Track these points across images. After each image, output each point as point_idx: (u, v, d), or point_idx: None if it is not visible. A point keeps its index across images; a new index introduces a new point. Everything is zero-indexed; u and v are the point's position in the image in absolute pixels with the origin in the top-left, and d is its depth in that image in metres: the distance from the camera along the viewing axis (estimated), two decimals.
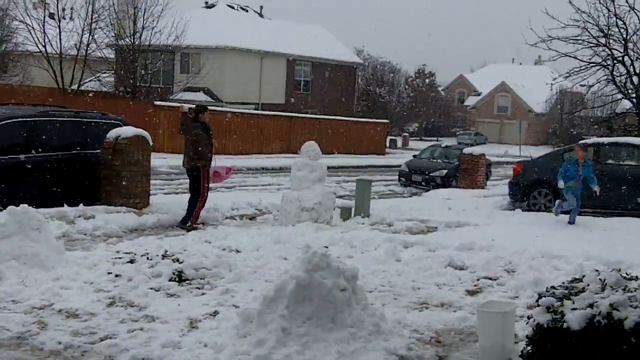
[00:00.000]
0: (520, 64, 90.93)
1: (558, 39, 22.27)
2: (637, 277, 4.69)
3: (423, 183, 25.07)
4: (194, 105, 13.93)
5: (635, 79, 22.44)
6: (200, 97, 45.17)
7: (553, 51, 22.68)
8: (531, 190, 17.01)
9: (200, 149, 12.56)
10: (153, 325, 6.44)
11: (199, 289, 7.89)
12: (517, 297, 8.08)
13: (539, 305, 4.24)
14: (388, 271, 9.15)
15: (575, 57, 22.73)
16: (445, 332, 6.67)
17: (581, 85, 32.65)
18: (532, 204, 16.87)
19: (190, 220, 12.51)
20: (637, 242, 11.33)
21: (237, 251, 9.95)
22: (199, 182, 12.65)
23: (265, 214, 14.62)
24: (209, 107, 13.92)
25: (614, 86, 22.78)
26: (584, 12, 22.22)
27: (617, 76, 22.67)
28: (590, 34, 22.37)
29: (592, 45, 22.60)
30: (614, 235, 12.16)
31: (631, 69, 22.50)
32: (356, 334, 5.94)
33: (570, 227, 13.08)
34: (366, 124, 47.38)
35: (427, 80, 77.75)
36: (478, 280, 8.82)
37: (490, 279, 8.88)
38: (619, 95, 23.67)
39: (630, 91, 22.69)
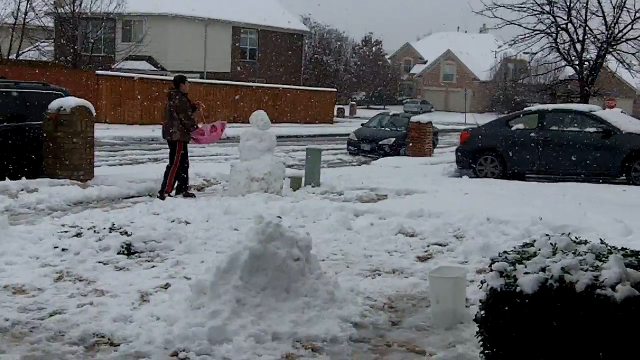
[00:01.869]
0: (466, 32, 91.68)
1: (503, 6, 22.47)
2: (586, 240, 4.76)
3: (372, 151, 25.11)
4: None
5: (578, 46, 22.77)
6: (144, 65, 44.44)
7: (498, 19, 22.86)
8: (478, 157, 17.19)
9: (183, 119, 12.57)
10: (103, 299, 6.33)
11: (149, 261, 7.79)
12: (466, 262, 8.18)
13: (492, 270, 4.27)
14: (340, 240, 9.17)
15: (519, 25, 22.95)
16: (398, 298, 6.71)
17: (524, 53, 33.11)
18: (479, 170, 17.07)
19: (164, 190, 12.47)
20: (582, 206, 11.53)
21: (187, 222, 9.83)
22: (175, 152, 12.67)
23: (213, 185, 14.51)
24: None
25: (558, 53, 23.07)
26: None
27: (561, 43, 22.99)
28: (535, 1, 22.61)
29: (536, 12, 22.84)
30: (559, 200, 12.35)
31: (574, 37, 22.82)
32: (311, 303, 5.92)
33: (517, 193, 13.21)
34: (314, 92, 47.25)
35: (373, 49, 77.86)
36: (428, 246, 8.89)
37: (440, 245, 8.95)
38: (563, 63, 23.97)
39: (573, 58, 23.02)
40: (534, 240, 4.74)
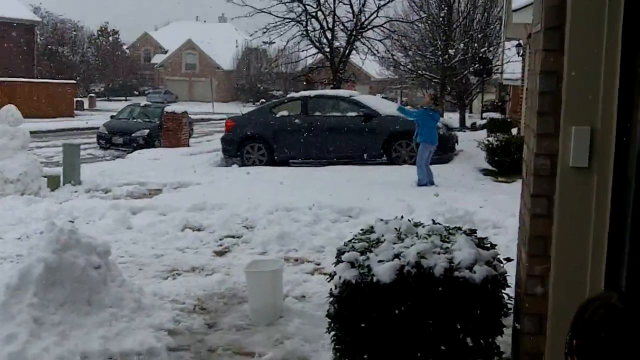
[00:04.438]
0: (205, 21, 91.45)
1: None
2: (421, 223, 4.66)
3: (125, 144, 23.99)
4: None
5: (328, 33, 23.43)
6: None
7: (249, 7, 22.82)
8: (244, 145, 17.04)
9: None
10: None
11: None
12: (265, 252, 7.93)
13: (340, 262, 3.99)
14: (122, 240, 8.48)
15: (270, 13, 23.09)
16: (207, 297, 6.26)
17: (263, 42, 33.65)
18: (247, 158, 16.94)
19: None
20: (356, 188, 11.79)
21: None
22: None
23: None
24: None
25: (309, 41, 23.58)
26: None
27: (312, 31, 23.50)
28: None
29: (286, 1, 23.13)
30: (332, 182, 12.52)
31: (324, 24, 23.44)
32: (117, 314, 5.29)
33: (291, 179, 13.18)
34: (51, 85, 44.33)
35: (110, 39, 74.83)
36: (221, 239, 8.50)
37: (233, 237, 8.61)
38: (313, 51, 24.58)
39: (324, 46, 23.65)
40: (372, 227, 4.56)
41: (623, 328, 1.53)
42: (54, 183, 12.81)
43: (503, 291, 3.89)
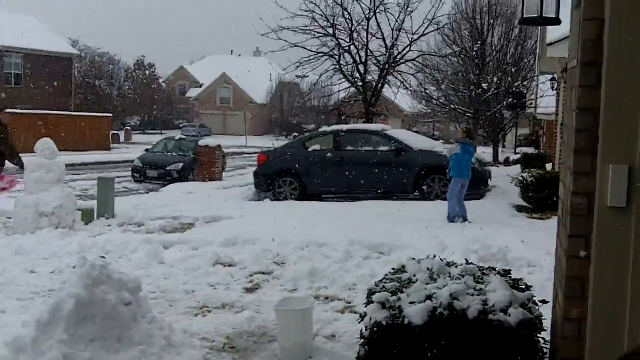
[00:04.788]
0: (240, 55, 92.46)
1: (288, 29, 22.65)
2: (454, 262, 4.58)
3: (159, 178, 24.16)
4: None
5: (361, 67, 23.50)
6: None
7: (283, 42, 23.02)
8: (276, 179, 17.06)
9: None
10: None
11: None
12: (296, 289, 7.85)
13: (371, 302, 3.92)
14: (154, 275, 8.46)
15: (304, 48, 23.26)
16: (237, 335, 6.18)
17: (297, 77, 33.85)
18: (278, 192, 16.94)
19: None
20: (388, 223, 11.70)
21: None
22: None
23: None
24: None
25: (342, 75, 23.66)
26: (312, 1, 22.85)
27: (344, 65, 23.59)
28: (319, 24, 23.05)
29: (320, 35, 23.29)
30: (364, 218, 12.44)
31: (357, 58, 23.52)
32: (147, 351, 5.25)
33: (323, 214, 13.12)
34: (88, 118, 45.00)
35: (147, 72, 75.97)
36: (252, 275, 8.45)
37: (264, 273, 8.56)
38: (346, 84, 24.65)
39: (357, 80, 23.72)
40: (404, 266, 4.48)
41: None
42: (88, 216, 12.88)
43: (539, 335, 3.77)
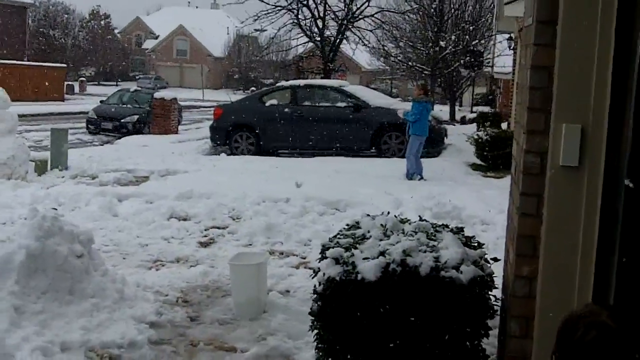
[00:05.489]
0: (197, 7, 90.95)
1: None
2: (408, 219, 4.60)
3: (114, 130, 23.84)
4: None
5: (319, 22, 23.29)
6: None
7: None
8: (233, 133, 16.94)
9: None
10: None
11: None
12: (251, 244, 7.85)
13: (324, 258, 3.93)
14: (107, 228, 8.40)
15: (262, 1, 22.92)
16: (191, 289, 6.18)
17: (255, 30, 33.43)
18: (235, 147, 16.84)
19: None
20: (344, 180, 11.73)
21: None
22: None
23: None
24: None
25: (300, 29, 23.43)
26: None
27: (303, 20, 23.34)
28: None
29: None
30: (320, 174, 12.44)
31: (315, 13, 23.30)
32: (99, 304, 5.22)
33: (279, 169, 13.09)
34: (42, 68, 43.92)
35: (102, 22, 74.32)
36: (207, 230, 8.43)
37: (219, 227, 8.54)
38: (304, 39, 24.45)
39: (315, 35, 23.53)
40: (358, 222, 4.49)
41: (617, 351, 1.47)
42: (41, 168, 12.69)
43: (490, 292, 3.83)
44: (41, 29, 63.59)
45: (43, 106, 36.05)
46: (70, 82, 54.83)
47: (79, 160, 13.77)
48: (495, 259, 4.08)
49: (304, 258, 7.29)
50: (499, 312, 3.89)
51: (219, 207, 9.34)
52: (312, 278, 4.03)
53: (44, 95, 41.57)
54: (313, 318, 3.98)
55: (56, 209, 6.34)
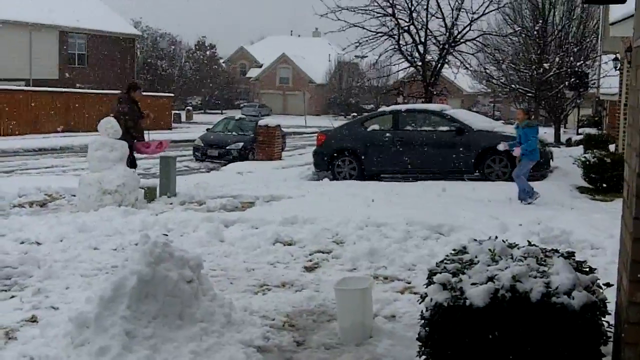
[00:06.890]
0: (299, 36, 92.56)
1: (347, 9, 22.53)
2: (516, 244, 4.52)
3: (219, 157, 24.50)
4: None
5: (420, 47, 23.26)
6: None
7: (342, 22, 22.88)
8: (335, 158, 17.10)
9: (130, 126, 13.03)
10: None
11: (6, 291, 6.85)
12: (355, 269, 7.86)
13: (432, 283, 3.90)
14: (214, 253, 8.58)
15: (363, 27, 23.11)
16: (297, 314, 6.24)
17: (356, 57, 33.63)
18: (337, 172, 16.98)
19: None
20: (448, 204, 11.61)
21: (38, 243, 8.87)
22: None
23: (57, 200, 13.27)
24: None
25: (401, 55, 23.46)
26: None
27: (404, 45, 23.36)
28: (378, 3, 22.89)
29: (379, 15, 23.12)
30: (423, 198, 12.36)
31: (416, 38, 23.28)
32: (208, 329, 5.33)
33: (382, 194, 13.06)
34: (150, 98, 45.66)
35: (208, 53, 76.69)
36: (311, 254, 8.49)
37: (323, 252, 8.59)
38: (405, 64, 24.44)
39: (416, 60, 23.51)
40: (465, 247, 4.44)
41: None
42: (150, 195, 13.10)
43: (603, 319, 3.70)
44: (149, 60, 66.14)
45: (151, 135, 37.23)
46: (177, 111, 56.73)
47: (186, 187, 14.14)
48: (608, 284, 3.95)
49: (409, 283, 7.24)
50: (612, 339, 3.76)
51: (323, 231, 9.41)
52: (419, 303, 4.01)
53: (153, 124, 43.02)
54: (420, 344, 3.95)
55: (166, 235, 6.54)
